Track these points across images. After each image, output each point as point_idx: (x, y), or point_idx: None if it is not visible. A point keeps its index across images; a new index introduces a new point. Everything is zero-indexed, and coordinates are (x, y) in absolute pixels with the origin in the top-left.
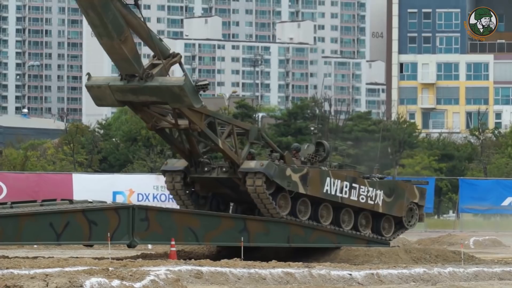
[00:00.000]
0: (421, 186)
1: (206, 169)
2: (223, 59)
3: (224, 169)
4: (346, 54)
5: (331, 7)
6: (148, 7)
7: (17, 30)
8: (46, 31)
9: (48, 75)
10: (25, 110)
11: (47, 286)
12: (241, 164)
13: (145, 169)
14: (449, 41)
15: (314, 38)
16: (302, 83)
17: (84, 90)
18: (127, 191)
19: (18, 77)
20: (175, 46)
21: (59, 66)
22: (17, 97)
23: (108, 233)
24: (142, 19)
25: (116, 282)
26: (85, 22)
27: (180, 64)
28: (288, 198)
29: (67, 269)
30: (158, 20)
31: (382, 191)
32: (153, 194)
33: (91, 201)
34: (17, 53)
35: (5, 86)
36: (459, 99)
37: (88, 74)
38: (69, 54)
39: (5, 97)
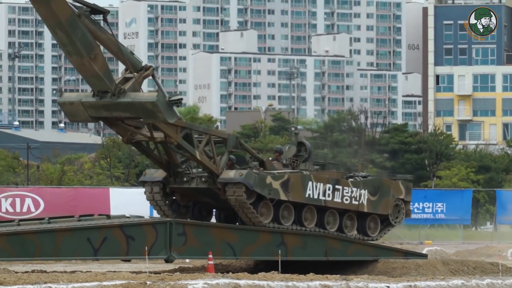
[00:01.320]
0: (406, 181)
1: (185, 179)
2: (259, 72)
3: (203, 179)
4: (382, 67)
5: (367, 20)
6: (184, 21)
7: (53, 45)
8: None
9: (84, 89)
10: (62, 125)
11: None
12: (220, 174)
13: None
14: (485, 52)
15: (350, 50)
16: (338, 95)
17: None
18: None
19: (54, 92)
20: (211, 60)
21: None
22: (53, 112)
23: (146, 248)
24: (111, 34)
25: None
26: (121, 36)
27: (153, 77)
28: (270, 205)
29: (105, 283)
30: (194, 33)
31: (366, 190)
32: None
33: (129, 216)
34: (53, 68)
35: (42, 101)
36: (496, 110)
37: (61, 90)
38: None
39: (41, 112)
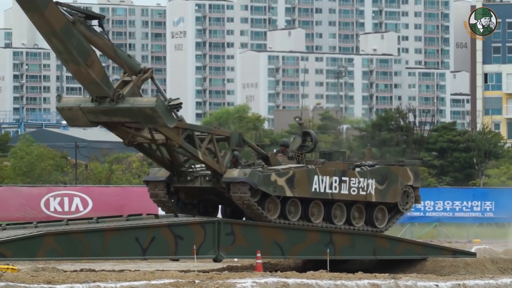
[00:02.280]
0: (415, 166)
1: (189, 178)
2: (306, 71)
3: (207, 178)
4: (430, 65)
5: (415, 18)
6: (232, 19)
7: None
8: (130, 44)
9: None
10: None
11: None
12: (223, 173)
13: None
14: None
15: (398, 49)
16: (386, 94)
17: None
18: None
19: None
20: (259, 59)
21: None
22: None
23: (194, 247)
24: (107, 39)
25: None
26: (168, 35)
27: (152, 79)
28: (276, 202)
29: (153, 282)
30: (242, 32)
31: (374, 180)
32: None
33: (177, 215)
34: None
35: None
36: None
37: (59, 95)
38: (153, 68)
39: None
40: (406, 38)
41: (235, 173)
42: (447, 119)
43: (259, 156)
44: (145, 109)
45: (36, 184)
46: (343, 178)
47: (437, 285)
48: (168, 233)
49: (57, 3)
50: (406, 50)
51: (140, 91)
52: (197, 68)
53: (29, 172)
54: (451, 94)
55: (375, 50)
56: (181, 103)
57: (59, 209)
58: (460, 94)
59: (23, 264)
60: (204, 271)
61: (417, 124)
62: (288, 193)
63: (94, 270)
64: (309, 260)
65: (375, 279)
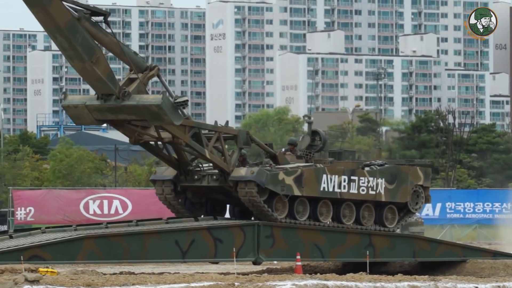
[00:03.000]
0: (424, 166)
1: (196, 177)
2: (346, 73)
3: (214, 177)
4: (470, 67)
5: (454, 20)
6: (271, 22)
7: (140, 47)
8: (169, 47)
9: (172, 91)
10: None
11: None
12: (231, 172)
13: None
14: None
15: (437, 50)
16: (425, 96)
17: (208, 105)
18: None
19: None
20: (298, 61)
21: (182, 82)
22: None
23: (234, 250)
24: (112, 35)
25: None
26: (208, 37)
27: (159, 76)
28: (284, 201)
29: (192, 284)
30: (281, 34)
31: (383, 179)
32: None
33: (217, 218)
34: None
35: None
36: None
37: (64, 93)
38: (192, 70)
39: None
40: (445, 39)
41: (242, 171)
42: (487, 120)
43: (268, 155)
44: (151, 106)
45: (76, 187)
46: (352, 177)
47: (476, 287)
48: (207, 236)
49: None
50: (446, 52)
51: (147, 88)
52: (237, 70)
53: (68, 175)
54: (491, 96)
55: (414, 51)
56: (187, 100)
57: (98, 212)
58: (500, 95)
59: (63, 267)
60: (243, 274)
61: (457, 126)
62: (296, 192)
63: (133, 273)
64: (349, 262)
65: (415, 281)
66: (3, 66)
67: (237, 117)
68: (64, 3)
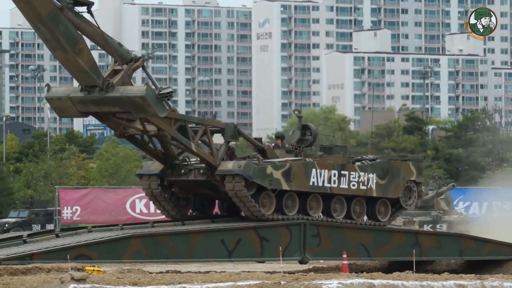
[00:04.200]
0: (417, 161)
1: (183, 171)
2: (392, 72)
3: (201, 171)
4: None
5: (501, 18)
6: (317, 21)
7: (187, 46)
8: (215, 46)
9: (218, 90)
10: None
11: None
12: (218, 166)
13: None
14: None
15: (484, 49)
16: (472, 94)
17: (254, 104)
18: None
19: (188, 92)
20: (345, 60)
21: (228, 81)
22: (187, 113)
23: (280, 248)
24: (96, 26)
25: None
26: (254, 36)
27: (143, 68)
28: (272, 196)
29: (239, 283)
30: (327, 34)
31: (374, 174)
32: None
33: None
34: (186, 68)
35: (175, 102)
36: None
37: (48, 85)
38: (238, 69)
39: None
40: (492, 38)
41: (229, 165)
42: None
43: (256, 149)
44: (135, 98)
45: (122, 185)
46: (343, 172)
47: None
48: (254, 235)
49: None
50: (492, 51)
51: (131, 80)
52: (283, 69)
53: (114, 173)
54: None
55: (461, 50)
56: (171, 91)
57: (144, 210)
58: None
59: (109, 266)
60: (289, 272)
61: (503, 125)
62: (285, 187)
63: (179, 272)
64: (395, 261)
65: (461, 280)
66: (49, 65)
67: (283, 116)
68: None
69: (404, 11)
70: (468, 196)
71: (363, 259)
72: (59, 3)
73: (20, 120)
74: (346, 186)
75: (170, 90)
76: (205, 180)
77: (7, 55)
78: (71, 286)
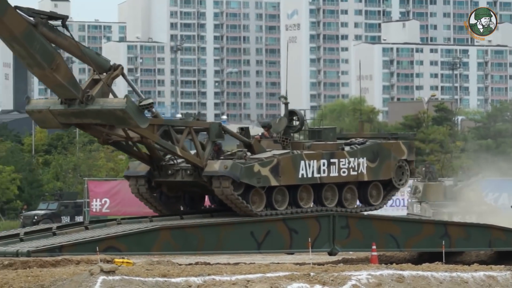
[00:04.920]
0: (408, 140)
1: (169, 172)
2: (421, 62)
3: (188, 172)
4: None
5: None
6: (346, 12)
7: (215, 37)
8: (244, 37)
9: (247, 81)
10: (224, 117)
11: None
12: (204, 167)
13: None
14: None
15: None
16: (501, 85)
17: None
18: None
19: (217, 84)
20: (373, 51)
21: (257, 72)
22: (216, 104)
23: (309, 240)
24: (71, 38)
25: (317, 287)
26: (282, 28)
27: (123, 76)
28: (261, 193)
29: (268, 275)
30: (356, 25)
31: (364, 158)
32: None
33: (291, 208)
34: (215, 60)
35: (204, 93)
36: None
37: (27, 97)
38: (267, 60)
39: (204, 104)
40: None
41: (216, 166)
42: None
43: (243, 144)
44: (115, 111)
45: None
46: (332, 160)
47: None
48: (283, 227)
49: (16, 7)
50: None
51: (112, 88)
52: (311, 60)
53: None
54: None
55: (490, 41)
56: (152, 102)
57: None
58: None
59: (138, 258)
60: (319, 264)
61: None
62: (274, 183)
63: (209, 263)
64: (424, 252)
65: (491, 271)
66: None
67: (312, 107)
68: (18, 11)
69: (433, 1)
70: (497, 187)
71: (393, 250)
72: (33, 20)
73: None
74: (336, 174)
75: (150, 101)
76: (192, 181)
77: None
78: (101, 278)
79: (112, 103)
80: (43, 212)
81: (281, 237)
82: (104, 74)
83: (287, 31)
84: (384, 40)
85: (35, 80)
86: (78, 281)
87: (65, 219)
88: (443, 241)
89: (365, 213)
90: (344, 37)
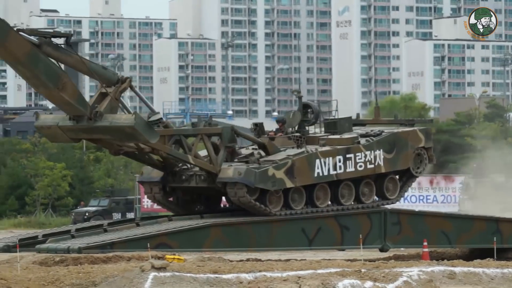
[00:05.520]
0: (425, 126)
1: (184, 177)
2: (472, 59)
3: (202, 177)
4: None
5: None
6: (397, 8)
7: (266, 34)
8: (295, 34)
9: (297, 78)
10: (275, 113)
11: None
12: (218, 172)
13: None
14: None
15: None
16: None
17: (334, 93)
18: None
19: (268, 80)
20: (425, 47)
21: (308, 69)
22: (267, 101)
23: (360, 236)
24: (76, 54)
25: (369, 284)
26: (333, 24)
27: (131, 88)
28: (278, 193)
29: (319, 271)
30: (407, 21)
31: (381, 150)
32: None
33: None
34: (266, 57)
35: (255, 90)
36: None
37: (36, 113)
38: (318, 57)
39: (255, 101)
40: None
41: (230, 172)
42: None
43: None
44: (124, 127)
45: None
46: (348, 156)
47: None
48: (334, 223)
49: (19, 30)
50: None
51: (120, 99)
52: (363, 57)
53: None
54: None
55: None
56: (161, 118)
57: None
58: None
59: (189, 255)
60: (370, 260)
61: None
62: (289, 185)
63: (260, 260)
64: (476, 248)
65: None
66: (129, 54)
67: (363, 104)
68: (21, 33)
69: None
70: None
71: (444, 247)
72: (36, 40)
73: None
74: (352, 169)
75: (159, 116)
76: (207, 186)
77: (87, 44)
78: (152, 275)
79: (120, 120)
80: (94, 208)
81: (332, 234)
82: (113, 87)
83: (338, 27)
84: (435, 36)
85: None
86: (129, 278)
87: (116, 216)
88: (495, 237)
89: (417, 209)
90: (395, 33)
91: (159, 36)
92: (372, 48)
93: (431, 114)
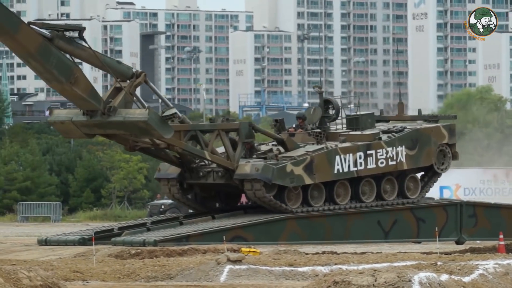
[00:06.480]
0: (449, 122)
1: (201, 174)
2: None
3: (219, 174)
4: None
5: None
6: (473, 1)
7: (342, 27)
8: (371, 26)
9: (373, 71)
10: (351, 106)
11: (375, 281)
12: (235, 169)
13: (473, 163)
14: None
15: None
16: None
17: (410, 85)
18: (453, 185)
19: (343, 73)
20: (501, 40)
21: (384, 61)
22: (343, 93)
23: (436, 229)
24: (90, 48)
25: (444, 277)
26: (409, 16)
27: (146, 82)
28: (297, 190)
29: (395, 264)
30: None
31: (403, 146)
32: (479, 189)
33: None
34: (342, 49)
35: (331, 83)
36: None
37: (50, 108)
38: (394, 50)
39: (331, 94)
40: None
41: (247, 168)
42: None
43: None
44: (138, 122)
45: None
46: (369, 152)
47: None
48: (410, 216)
49: (30, 23)
50: None
51: (136, 94)
52: (439, 49)
53: None
54: None
55: None
56: (175, 113)
57: None
58: None
59: (265, 247)
60: (446, 253)
61: None
62: (308, 181)
63: (335, 253)
64: None
65: None
66: (205, 47)
67: (439, 97)
68: (33, 26)
69: None
70: None
71: None
72: (49, 34)
73: (176, 101)
74: (373, 166)
75: (174, 111)
76: (224, 183)
77: (163, 36)
78: (227, 267)
79: (134, 115)
80: (170, 201)
81: (408, 226)
82: (127, 81)
83: (414, 20)
84: (511, 28)
85: (162, 69)
86: (205, 270)
87: None
88: None
89: (492, 201)
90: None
91: (235, 28)
92: (448, 40)
93: (507, 106)
